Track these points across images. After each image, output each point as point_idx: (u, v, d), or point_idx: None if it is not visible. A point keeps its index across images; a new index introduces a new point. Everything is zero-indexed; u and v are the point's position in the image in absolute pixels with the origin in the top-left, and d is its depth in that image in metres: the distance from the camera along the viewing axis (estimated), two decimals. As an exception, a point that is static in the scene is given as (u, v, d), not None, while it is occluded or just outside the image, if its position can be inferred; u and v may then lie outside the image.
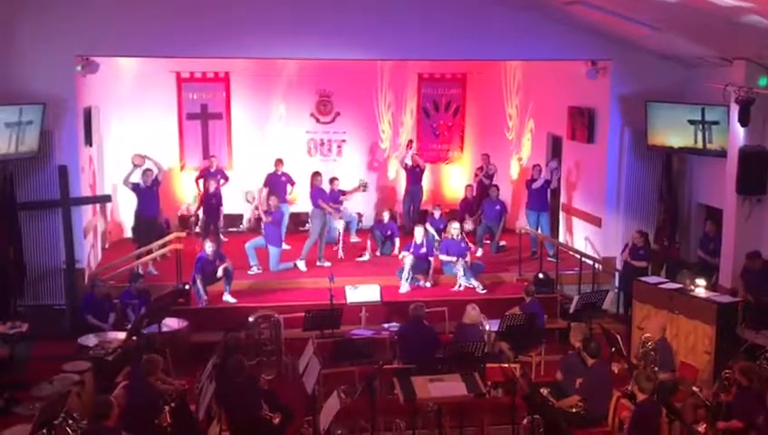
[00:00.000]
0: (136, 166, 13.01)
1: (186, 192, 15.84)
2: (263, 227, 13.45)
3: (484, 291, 12.47)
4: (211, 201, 14.20)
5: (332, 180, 14.39)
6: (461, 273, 12.54)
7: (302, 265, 13.23)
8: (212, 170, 14.66)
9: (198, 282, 11.74)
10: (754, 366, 8.24)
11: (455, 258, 12.69)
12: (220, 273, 11.86)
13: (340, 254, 14.05)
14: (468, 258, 12.78)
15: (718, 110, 11.39)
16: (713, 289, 10.76)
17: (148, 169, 13.12)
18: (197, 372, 9.03)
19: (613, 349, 9.26)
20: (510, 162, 16.58)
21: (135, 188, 13.03)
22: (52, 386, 8.65)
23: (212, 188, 14.18)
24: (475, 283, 12.55)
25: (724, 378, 8.51)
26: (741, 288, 10.73)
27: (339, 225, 14.26)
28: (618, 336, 9.42)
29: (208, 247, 11.90)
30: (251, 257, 13.11)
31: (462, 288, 12.52)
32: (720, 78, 10.99)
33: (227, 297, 11.98)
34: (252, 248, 13.17)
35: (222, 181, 14.58)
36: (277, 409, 8.37)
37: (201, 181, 14.76)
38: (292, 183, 14.90)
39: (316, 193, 13.68)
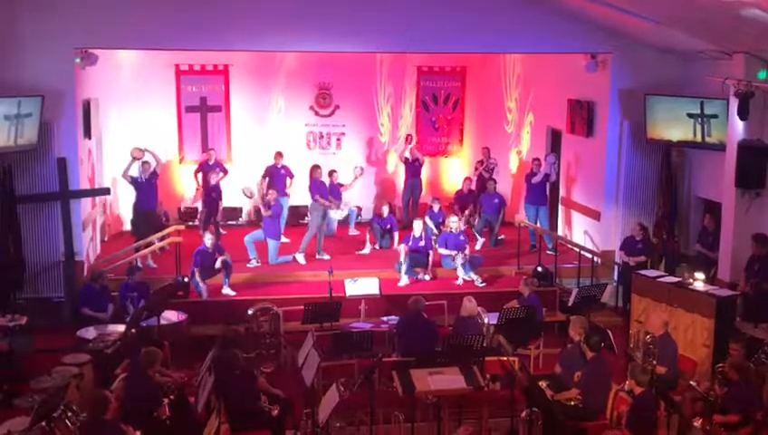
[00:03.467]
0: (135, 159, 13.00)
1: (185, 185, 15.84)
2: (262, 220, 13.44)
3: (483, 284, 12.48)
4: (211, 194, 14.19)
5: (331, 173, 14.39)
6: (460, 266, 12.55)
7: (301, 258, 13.23)
8: (210, 163, 14.64)
9: (197, 275, 11.75)
10: (746, 363, 8.26)
11: (454, 252, 12.70)
12: (218, 265, 11.87)
13: (353, 230, 14.78)
14: (467, 251, 12.79)
15: (717, 103, 11.39)
16: (711, 283, 10.77)
17: (145, 162, 13.11)
18: (197, 364, 9.05)
19: (603, 344, 9.26)
20: (509, 156, 16.58)
21: (133, 181, 13.01)
22: (51, 379, 8.66)
23: (212, 181, 14.16)
24: (474, 276, 12.56)
25: (719, 371, 8.54)
26: (742, 281, 10.73)
27: (340, 215, 14.30)
28: (608, 331, 9.43)
29: (207, 240, 11.91)
30: (250, 251, 13.11)
31: (461, 282, 12.53)
32: (719, 71, 10.99)
33: (227, 290, 11.98)
34: (251, 241, 13.16)
35: (221, 175, 14.56)
36: (276, 401, 8.40)
37: (200, 175, 14.76)
38: (291, 176, 14.89)
39: (315, 186, 13.68)
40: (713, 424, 7.97)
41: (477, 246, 14.11)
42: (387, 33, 12.28)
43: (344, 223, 15.22)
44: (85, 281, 11.70)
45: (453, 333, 9.87)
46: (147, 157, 13.13)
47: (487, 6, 12.34)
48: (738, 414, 7.82)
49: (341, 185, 14.50)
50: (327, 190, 13.81)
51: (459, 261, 12.56)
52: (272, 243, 13.10)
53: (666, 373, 8.82)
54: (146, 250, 12.65)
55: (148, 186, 13.07)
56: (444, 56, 16.11)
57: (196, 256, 11.85)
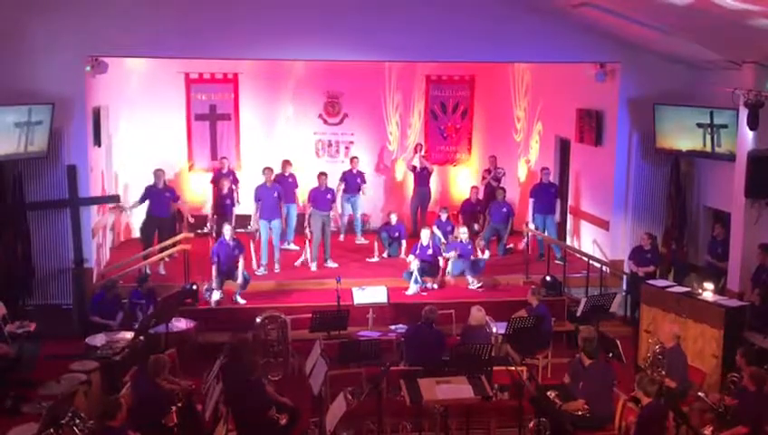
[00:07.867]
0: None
1: (194, 192, 15.86)
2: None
3: (480, 287, 12.55)
4: (225, 202, 14.17)
5: (352, 159, 14.58)
6: (453, 256, 12.64)
7: (312, 265, 13.27)
8: (224, 171, 14.67)
9: (214, 282, 11.69)
10: (763, 372, 8.20)
11: (453, 252, 12.79)
12: (239, 280, 11.84)
13: (360, 238, 14.71)
14: (471, 257, 12.83)
15: (727, 113, 11.35)
16: (720, 293, 10.74)
17: (159, 170, 13.17)
18: (204, 372, 9.06)
19: (611, 354, 9.23)
20: (518, 164, 16.57)
21: (147, 188, 13.11)
22: (59, 385, 8.69)
23: (225, 189, 14.16)
24: (470, 278, 12.55)
25: (730, 381, 8.46)
26: (748, 291, 10.69)
27: (339, 208, 14.44)
28: (617, 340, 9.39)
29: (227, 232, 11.84)
30: (260, 258, 13.13)
31: (449, 279, 12.65)
32: (729, 81, 10.96)
33: (238, 299, 11.98)
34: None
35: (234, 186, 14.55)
36: (284, 409, 8.40)
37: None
38: (297, 185, 14.81)
39: (314, 194, 13.77)
40: (722, 435, 7.93)
41: (485, 255, 14.09)
42: (396, 41, 12.28)
43: (351, 231, 15.24)
44: (96, 289, 11.73)
45: (461, 343, 9.86)
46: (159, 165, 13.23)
47: (496, 16, 12.34)
48: (747, 426, 7.75)
49: (362, 173, 14.72)
50: (326, 199, 13.77)
51: (452, 255, 12.64)
52: (276, 223, 13.35)
53: (675, 386, 8.78)
54: (155, 257, 12.68)
55: (161, 193, 13.13)
56: (453, 65, 16.13)
57: (214, 250, 11.84)
